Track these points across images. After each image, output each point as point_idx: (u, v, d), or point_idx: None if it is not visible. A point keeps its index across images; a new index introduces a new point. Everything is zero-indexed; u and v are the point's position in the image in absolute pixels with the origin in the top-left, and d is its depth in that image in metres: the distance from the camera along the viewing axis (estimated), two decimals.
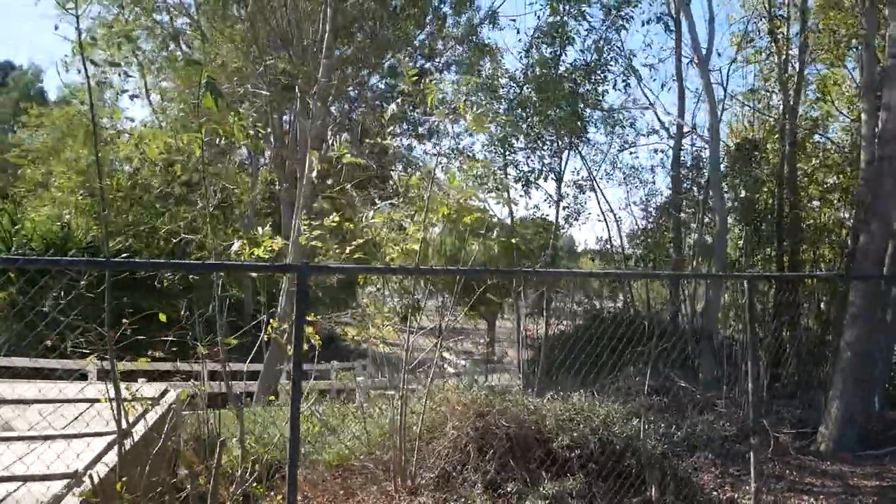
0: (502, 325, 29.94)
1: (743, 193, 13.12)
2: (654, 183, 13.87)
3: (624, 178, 13.64)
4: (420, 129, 18.95)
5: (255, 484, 4.55)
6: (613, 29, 10.96)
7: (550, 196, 12.76)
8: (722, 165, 13.09)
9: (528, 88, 10.57)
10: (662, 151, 13.62)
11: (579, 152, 12.33)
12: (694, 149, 13.34)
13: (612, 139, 13.14)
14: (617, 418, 5.57)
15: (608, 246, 14.25)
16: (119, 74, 18.59)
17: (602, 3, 11.17)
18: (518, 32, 12.94)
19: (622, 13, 10.86)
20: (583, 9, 10.51)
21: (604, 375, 8.57)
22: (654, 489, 5.30)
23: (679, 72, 12.45)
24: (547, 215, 13.88)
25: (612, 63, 11.19)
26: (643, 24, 11.94)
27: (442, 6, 16.65)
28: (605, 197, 13.58)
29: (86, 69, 4.09)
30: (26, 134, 18.92)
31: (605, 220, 13.82)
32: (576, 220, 13.26)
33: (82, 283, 4.25)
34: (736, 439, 6.56)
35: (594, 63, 10.81)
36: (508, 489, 5.18)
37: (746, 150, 12.97)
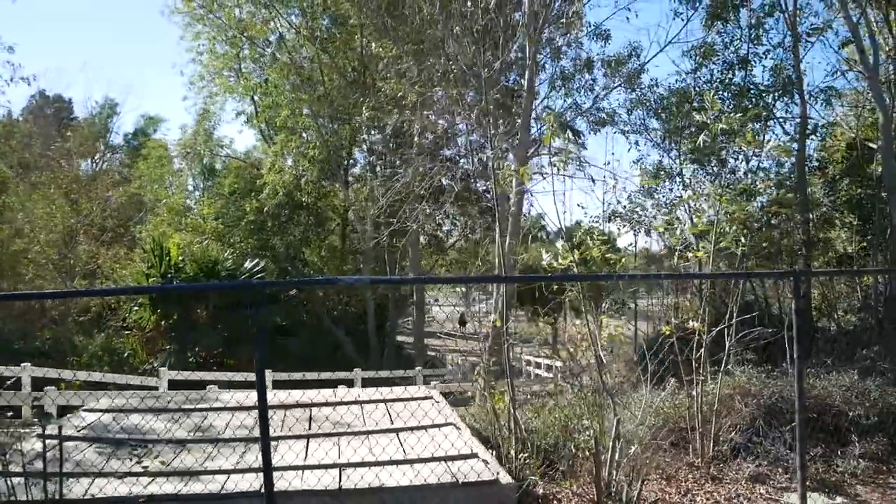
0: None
1: (858, 191, 13.93)
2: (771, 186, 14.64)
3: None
4: None
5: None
6: (789, 50, 11.83)
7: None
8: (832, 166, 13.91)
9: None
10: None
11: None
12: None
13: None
14: (891, 391, 6.44)
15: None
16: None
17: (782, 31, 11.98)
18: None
19: (810, 39, 11.74)
20: (760, 33, 11.42)
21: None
22: None
23: (800, 79, 13.24)
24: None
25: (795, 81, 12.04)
26: (839, 48, 13.06)
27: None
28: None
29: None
30: (145, 166, 20.02)
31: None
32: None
33: None
34: None
35: (785, 81, 11.66)
36: (812, 453, 6.06)
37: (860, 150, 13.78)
